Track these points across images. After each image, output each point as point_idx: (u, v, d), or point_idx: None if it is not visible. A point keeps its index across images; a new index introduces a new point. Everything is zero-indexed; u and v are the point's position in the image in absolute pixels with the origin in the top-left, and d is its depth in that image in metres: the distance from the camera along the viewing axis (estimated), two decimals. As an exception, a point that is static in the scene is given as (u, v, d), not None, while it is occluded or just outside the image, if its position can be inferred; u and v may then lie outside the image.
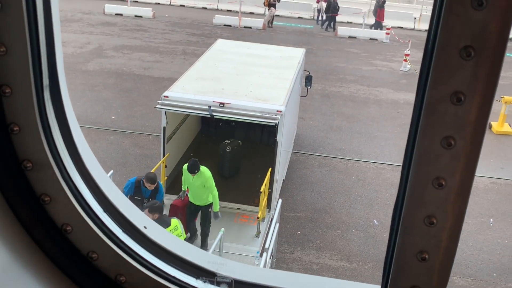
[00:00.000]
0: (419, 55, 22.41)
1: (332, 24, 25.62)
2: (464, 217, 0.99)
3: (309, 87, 13.67)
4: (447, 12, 0.86)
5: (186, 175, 8.74)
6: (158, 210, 7.48)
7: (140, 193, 8.45)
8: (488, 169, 13.26)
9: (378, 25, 25.71)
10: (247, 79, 10.56)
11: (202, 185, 8.59)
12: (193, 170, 8.52)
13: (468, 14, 0.85)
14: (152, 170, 9.14)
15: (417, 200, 0.99)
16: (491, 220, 11.43)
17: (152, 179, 8.32)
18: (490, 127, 15.52)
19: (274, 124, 9.06)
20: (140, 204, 8.26)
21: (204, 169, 8.67)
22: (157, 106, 9.26)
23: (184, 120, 11.13)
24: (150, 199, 8.36)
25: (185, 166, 8.77)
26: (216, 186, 10.46)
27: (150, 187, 8.36)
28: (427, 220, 1.00)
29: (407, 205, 1.00)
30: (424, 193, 0.98)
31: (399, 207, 1.02)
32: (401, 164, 1.00)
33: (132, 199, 8.33)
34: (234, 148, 10.48)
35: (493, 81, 0.90)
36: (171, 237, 1.36)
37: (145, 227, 1.27)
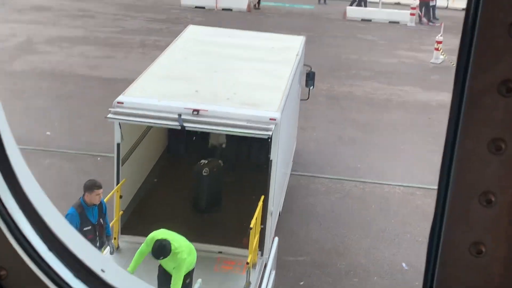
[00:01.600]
0: (455, 42, 22.65)
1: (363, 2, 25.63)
2: None
3: (312, 88, 13.75)
4: None
5: (143, 252, 8.38)
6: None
7: (87, 219, 8.66)
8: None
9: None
10: (230, 77, 10.59)
11: (171, 269, 8.30)
12: (160, 256, 8.10)
13: None
14: (109, 195, 9.21)
15: (459, 223, 1.01)
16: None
17: (94, 184, 8.78)
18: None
19: (266, 137, 9.06)
20: (93, 235, 8.52)
21: (177, 248, 8.16)
22: (109, 116, 9.23)
23: (145, 134, 11.11)
24: (101, 221, 8.88)
25: (150, 237, 8.34)
26: (190, 222, 10.36)
27: (95, 198, 8.67)
28: (473, 248, 1.01)
29: (447, 230, 1.02)
30: (468, 213, 1.00)
31: (436, 233, 1.04)
32: (437, 180, 1.02)
33: (82, 235, 8.42)
34: (213, 171, 10.45)
35: None
36: (135, 282, 1.38)
37: (102, 270, 1.27)
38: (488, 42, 0.91)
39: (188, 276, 8.50)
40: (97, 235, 8.90)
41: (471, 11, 0.91)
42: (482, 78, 0.93)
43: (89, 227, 8.66)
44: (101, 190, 8.78)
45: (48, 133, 14.63)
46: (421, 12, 25.30)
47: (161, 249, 8.02)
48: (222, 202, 10.79)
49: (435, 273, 1.05)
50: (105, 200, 9.20)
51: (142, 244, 8.39)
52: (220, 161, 10.75)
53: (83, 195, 8.81)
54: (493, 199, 0.98)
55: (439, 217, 1.02)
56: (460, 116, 0.95)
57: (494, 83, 0.92)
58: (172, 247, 8.08)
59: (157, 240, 8.20)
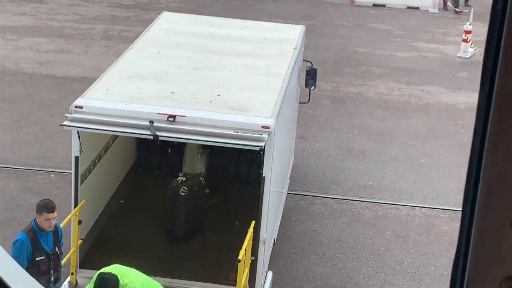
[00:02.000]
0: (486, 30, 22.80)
1: None
2: None
3: (313, 88, 13.79)
4: None
5: None
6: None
7: (41, 247, 8.70)
8: None
9: None
10: (213, 76, 10.62)
11: None
12: None
13: None
14: (61, 225, 9.19)
15: (489, 253, 0.99)
16: None
17: (44, 205, 8.83)
18: None
19: (258, 149, 9.07)
20: (47, 267, 8.60)
21: (128, 284, 8.01)
22: (65, 123, 9.22)
23: (109, 146, 11.10)
24: (57, 249, 8.98)
25: (97, 274, 8.17)
26: (164, 252, 10.37)
27: (51, 223, 8.73)
28: (506, 284, 1.00)
29: (474, 262, 1.01)
30: (500, 241, 0.98)
31: (460, 266, 1.03)
32: (463, 199, 1.02)
33: (34, 266, 8.64)
34: (192, 190, 10.47)
35: None
36: None
37: None
38: None
39: None
40: (52, 267, 8.92)
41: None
42: None
43: (43, 257, 8.69)
44: (52, 215, 8.81)
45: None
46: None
47: (104, 285, 7.86)
48: (204, 228, 10.80)
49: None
50: (61, 225, 9.20)
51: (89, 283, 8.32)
52: (201, 178, 10.76)
53: (36, 217, 8.88)
54: None
55: (463, 247, 1.01)
56: (488, 121, 0.95)
57: None
58: (121, 282, 8.00)
59: (100, 274, 8.15)
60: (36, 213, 8.90)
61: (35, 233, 8.76)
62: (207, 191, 10.80)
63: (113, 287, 7.89)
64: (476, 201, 0.98)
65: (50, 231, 8.91)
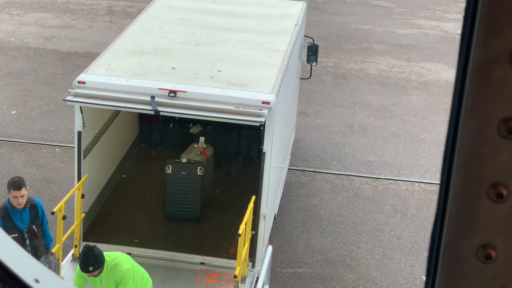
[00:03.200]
0: (487, 9, 22.77)
1: None
2: None
3: (314, 64, 13.78)
4: None
5: (81, 274, 8.20)
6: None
7: (13, 225, 8.70)
8: None
9: None
10: (214, 52, 10.59)
11: (113, 286, 8.17)
12: (88, 266, 7.93)
13: None
14: (62, 202, 9.11)
15: (464, 223, 1.01)
16: None
17: (12, 183, 8.78)
18: None
19: (258, 125, 9.07)
20: (20, 244, 8.40)
21: (115, 259, 8.15)
22: (68, 98, 9.22)
23: (111, 121, 11.11)
24: (35, 228, 8.92)
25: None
26: (165, 226, 10.38)
27: (18, 200, 8.69)
28: (481, 252, 1.01)
29: (449, 232, 1.02)
30: (474, 210, 1.00)
31: (437, 236, 1.05)
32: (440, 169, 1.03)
33: None
34: (192, 173, 10.47)
35: None
36: None
37: (36, 281, 1.25)
38: None
39: None
40: (28, 244, 8.89)
41: None
42: (491, 45, 0.92)
43: (16, 235, 8.61)
44: (19, 192, 8.71)
45: (13, 112, 14.70)
46: None
47: (91, 255, 7.91)
48: (205, 203, 10.81)
49: (436, 282, 1.06)
50: (64, 199, 9.18)
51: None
52: (200, 166, 10.63)
53: (8, 195, 8.92)
54: (504, 192, 0.98)
55: (440, 217, 1.03)
56: (464, 93, 0.96)
57: (506, 51, 0.92)
58: (107, 258, 8.05)
59: (85, 247, 8.23)
60: (7, 190, 8.90)
61: (7, 211, 8.76)
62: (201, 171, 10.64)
63: (99, 255, 7.96)
64: (451, 172, 1.00)
65: (26, 208, 8.88)
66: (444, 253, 1.04)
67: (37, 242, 9.08)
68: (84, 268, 7.96)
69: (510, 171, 0.98)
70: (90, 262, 7.90)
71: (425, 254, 11.61)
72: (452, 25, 21.61)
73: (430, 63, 18.97)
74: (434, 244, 1.06)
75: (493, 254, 1.01)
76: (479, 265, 1.02)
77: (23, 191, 8.78)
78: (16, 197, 8.74)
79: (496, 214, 0.99)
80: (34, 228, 8.99)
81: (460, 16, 21.46)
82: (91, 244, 8.42)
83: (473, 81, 0.94)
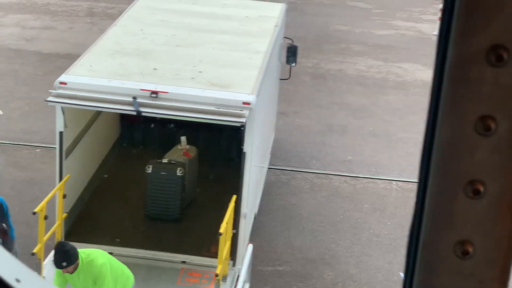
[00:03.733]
0: (463, 10, 22.87)
1: None
2: None
3: (294, 64, 13.77)
4: None
5: (60, 273, 8.16)
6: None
7: None
8: None
9: None
10: (195, 53, 10.57)
11: (92, 285, 8.11)
12: (61, 262, 7.90)
13: None
14: (43, 202, 9.07)
15: (441, 219, 1.01)
16: None
17: None
18: None
19: (239, 125, 9.07)
20: None
21: (90, 254, 8.13)
22: (49, 98, 9.18)
23: (93, 122, 11.06)
24: (4, 225, 8.90)
25: None
26: (147, 226, 10.34)
27: None
28: (459, 248, 1.02)
29: (428, 228, 1.02)
30: (452, 207, 1.00)
31: (415, 233, 1.04)
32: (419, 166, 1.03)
33: None
34: (173, 173, 10.44)
35: None
36: None
37: (17, 280, 1.23)
38: (474, 0, 0.92)
39: None
40: (0, 242, 8.85)
41: None
42: (467, 44, 0.93)
43: None
44: None
45: (0, 113, 14.65)
46: None
47: (63, 251, 7.89)
48: (188, 202, 10.79)
49: (414, 279, 1.05)
50: (46, 200, 9.14)
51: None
52: (180, 167, 10.59)
53: None
54: (481, 189, 0.98)
55: (418, 214, 1.03)
56: (441, 92, 0.96)
57: (481, 50, 0.93)
58: (81, 254, 8.02)
59: (57, 243, 8.24)
60: None
61: None
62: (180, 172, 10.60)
63: (71, 250, 7.94)
64: (429, 169, 1.00)
65: None
66: (423, 250, 1.04)
67: (7, 239, 9.08)
68: (57, 264, 7.93)
69: (487, 168, 0.98)
70: (62, 257, 7.88)
71: (403, 251, 11.58)
72: (428, 26, 21.68)
73: (407, 64, 19.03)
74: (413, 241, 1.06)
75: (471, 250, 1.01)
76: (456, 261, 1.02)
77: None
78: None
79: (473, 211, 0.99)
80: (4, 226, 9.01)
81: (435, 17, 21.55)
82: (65, 242, 8.41)
83: (450, 80, 0.95)
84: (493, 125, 0.95)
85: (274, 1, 14.47)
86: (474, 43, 0.92)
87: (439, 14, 21.23)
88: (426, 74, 18.43)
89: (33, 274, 1.28)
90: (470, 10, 0.91)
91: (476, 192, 0.98)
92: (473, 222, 1.00)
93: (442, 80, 0.96)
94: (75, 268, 7.99)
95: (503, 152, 0.97)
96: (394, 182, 13.60)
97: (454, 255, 1.02)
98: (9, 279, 1.23)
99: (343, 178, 13.65)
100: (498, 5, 0.90)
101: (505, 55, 0.92)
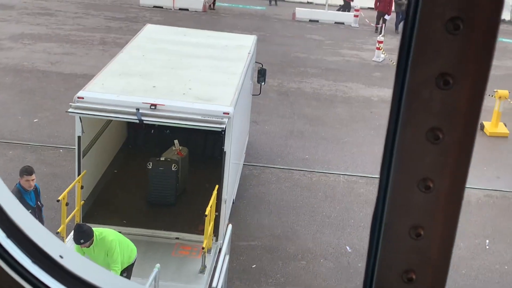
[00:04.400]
0: (395, 42, 23.01)
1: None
2: (456, 227, 1.02)
3: (263, 83, 13.78)
4: None
5: (78, 248, 8.03)
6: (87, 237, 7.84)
7: (26, 204, 8.66)
8: (481, 179, 13.70)
9: (347, 6, 25.96)
10: (185, 74, 10.54)
11: (105, 256, 8.02)
12: (79, 239, 7.87)
13: None
14: (65, 192, 9.00)
15: (400, 208, 1.00)
16: (487, 241, 11.81)
17: (24, 170, 8.87)
18: (482, 127, 16.08)
19: (220, 130, 9.05)
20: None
21: (102, 232, 8.07)
22: (69, 110, 9.10)
23: (105, 128, 10.97)
24: (40, 204, 8.99)
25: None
26: (148, 210, 10.28)
27: (30, 183, 8.74)
28: (413, 231, 1.01)
29: (388, 215, 1.01)
30: (408, 198, 0.99)
31: (378, 218, 1.03)
32: (379, 169, 1.02)
33: None
34: (168, 168, 10.39)
35: (486, 60, 0.92)
36: (94, 267, 1.34)
37: (61, 257, 1.22)
38: (426, 37, 0.91)
39: (125, 271, 8.31)
40: (37, 218, 8.81)
41: (411, 7, 0.91)
42: (421, 72, 0.93)
43: (29, 211, 8.57)
44: (31, 177, 8.81)
45: (35, 120, 14.50)
46: (380, 23, 24.04)
47: (81, 230, 7.89)
48: (179, 193, 10.73)
49: (378, 254, 1.04)
50: (66, 190, 9.08)
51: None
52: (174, 164, 10.53)
53: (19, 180, 8.83)
54: (431, 185, 0.98)
55: (381, 203, 1.02)
56: (400, 108, 0.95)
57: (432, 76, 0.93)
58: (96, 232, 8.00)
59: (76, 225, 8.21)
60: (19, 176, 8.85)
61: (21, 193, 8.70)
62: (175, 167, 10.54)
63: (89, 234, 7.93)
64: (390, 168, 0.99)
65: (32, 190, 8.88)
66: (384, 232, 1.03)
67: (41, 216, 9.10)
68: (76, 241, 7.91)
69: (435, 169, 0.98)
70: (81, 236, 7.87)
71: (349, 229, 11.71)
72: (368, 54, 21.80)
73: (351, 83, 19.10)
74: (376, 224, 1.04)
75: (422, 232, 1.01)
76: (411, 241, 1.02)
77: (33, 176, 8.85)
78: (28, 180, 8.76)
79: (425, 202, 0.99)
80: (39, 203, 9.03)
81: (373, 47, 21.66)
82: (83, 224, 8.43)
83: (407, 99, 0.95)
84: (440, 135, 0.96)
85: (248, 34, 14.50)
86: (426, 71, 0.93)
87: (376, 45, 21.43)
88: (366, 91, 18.55)
89: (74, 251, 1.28)
90: (423, 46, 0.91)
91: (427, 187, 0.98)
92: (424, 210, 1.00)
93: (401, 98, 0.95)
94: (91, 244, 7.95)
95: (448, 156, 0.97)
96: (341, 176, 13.64)
97: (409, 237, 1.01)
98: (54, 255, 1.22)
99: (301, 172, 13.66)
100: (443, 42, 0.91)
101: (450, 81, 0.92)
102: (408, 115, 0.95)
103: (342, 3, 26.81)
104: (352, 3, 26.17)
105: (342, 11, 26.21)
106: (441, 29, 0.90)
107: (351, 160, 14.24)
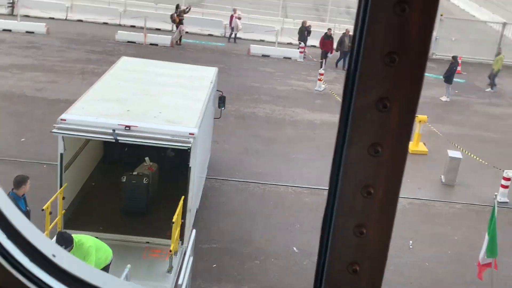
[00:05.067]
0: (333, 74, 23.38)
1: (343, 62, 23.70)
2: (392, 226, 1.03)
3: (223, 108, 13.79)
4: (371, 19, 0.91)
5: None
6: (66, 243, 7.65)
7: (21, 209, 8.50)
8: (405, 189, 13.96)
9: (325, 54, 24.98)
10: (156, 100, 10.46)
11: (82, 260, 7.93)
12: (61, 245, 7.60)
13: (390, 20, 0.91)
14: (49, 202, 8.77)
15: (346, 209, 1.01)
16: (411, 242, 12.01)
17: (25, 177, 8.81)
18: (406, 147, 16.40)
19: (187, 148, 8.99)
20: None
21: (81, 239, 7.91)
22: (53, 130, 8.92)
23: (84, 146, 10.78)
24: (28, 209, 8.84)
25: None
26: (122, 218, 10.10)
27: (26, 188, 8.69)
28: (357, 230, 1.02)
29: (336, 217, 1.02)
30: (353, 202, 1.01)
31: (328, 221, 1.04)
32: (328, 178, 1.03)
33: None
34: (140, 181, 10.24)
35: (416, 87, 0.95)
36: (83, 265, 1.31)
37: (53, 255, 1.20)
38: (368, 68, 0.93)
39: (103, 271, 8.16)
40: None
41: (356, 43, 0.94)
42: (364, 97, 0.95)
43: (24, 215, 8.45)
44: (25, 189, 8.79)
45: (22, 139, 14.18)
46: (323, 59, 23.72)
47: (62, 238, 7.74)
48: (150, 203, 10.57)
49: (328, 249, 1.05)
50: (49, 201, 8.85)
51: None
52: (145, 177, 10.39)
53: (12, 189, 8.65)
54: (372, 191, 0.99)
55: (330, 206, 1.03)
56: (347, 127, 0.97)
57: (373, 101, 0.95)
58: (75, 239, 7.84)
59: (58, 232, 8.05)
60: (22, 184, 8.72)
61: (16, 200, 8.49)
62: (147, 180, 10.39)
63: (70, 240, 7.76)
64: (338, 177, 1.01)
65: (22, 197, 8.73)
66: (333, 232, 1.04)
67: (29, 218, 8.84)
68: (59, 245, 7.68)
69: (375, 178, 0.99)
70: (62, 242, 7.68)
71: (295, 233, 11.74)
72: (311, 84, 22.05)
73: (298, 108, 19.27)
74: (326, 225, 1.05)
75: (364, 231, 1.02)
76: (355, 239, 1.03)
77: (25, 188, 8.78)
78: (27, 185, 8.74)
79: (367, 205, 1.00)
80: (28, 209, 8.86)
81: (316, 79, 21.92)
82: (64, 232, 8.22)
83: (353, 120, 0.97)
84: (380, 149, 0.97)
85: (210, 66, 14.49)
86: (368, 96, 0.95)
87: (319, 76, 21.71)
88: (310, 115, 18.74)
89: (63, 251, 1.24)
90: (366, 75, 0.94)
91: (369, 193, 1.00)
92: (367, 213, 1.01)
93: (347, 119, 0.97)
94: (71, 249, 7.74)
95: (385, 168, 0.99)
96: (290, 187, 13.71)
97: (353, 235, 1.02)
98: (47, 253, 1.20)
99: (256, 184, 13.68)
100: (382, 73, 0.93)
101: (388, 104, 0.95)
102: (354, 133, 0.97)
103: (289, 40, 27.08)
104: (301, 44, 26.04)
105: (340, 59, 24.43)
106: (381, 62, 0.93)
107: (298, 174, 14.33)
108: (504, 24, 28.50)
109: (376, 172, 0.99)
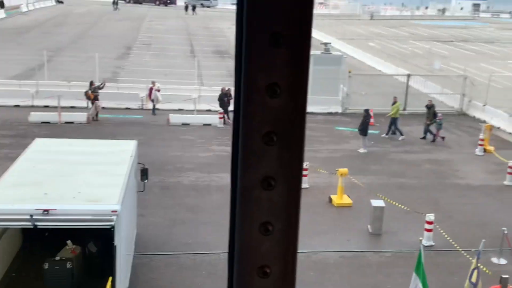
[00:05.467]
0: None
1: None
2: (298, 223, 1.02)
3: (146, 181, 13.62)
4: (246, 102, 0.95)
5: None
6: None
7: None
8: (335, 243, 14.21)
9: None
10: (74, 180, 10.21)
11: None
12: None
13: (265, 102, 0.95)
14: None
15: (249, 207, 1.00)
16: (346, 295, 12.11)
17: None
18: (330, 200, 16.83)
19: (110, 227, 8.76)
20: None
21: None
22: (-35, 222, 8.41)
23: (1, 235, 10.20)
24: None
25: None
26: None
27: None
28: (262, 228, 1.00)
29: (240, 214, 1.01)
30: (254, 196, 0.99)
31: (234, 220, 1.03)
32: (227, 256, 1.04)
33: None
34: (63, 267, 9.80)
35: (297, 164, 0.99)
36: None
37: None
38: (249, 149, 0.97)
39: None
40: None
41: (234, 124, 0.98)
42: (248, 177, 0.97)
43: None
44: None
45: None
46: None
47: None
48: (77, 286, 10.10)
49: (235, 253, 1.03)
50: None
51: None
52: (69, 262, 9.97)
53: None
54: (272, 183, 0.98)
55: (233, 205, 1.02)
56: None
57: (258, 180, 0.97)
58: None
59: None
60: None
61: None
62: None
63: None
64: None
65: None
66: (239, 231, 1.02)
67: None
68: None
69: (270, 257, 1.00)
70: None
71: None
72: (234, 148, 22.27)
73: (222, 173, 19.30)
74: (233, 228, 1.03)
75: (270, 228, 1.00)
76: (261, 237, 1.00)
77: None
78: None
79: (269, 200, 0.98)
80: None
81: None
82: None
83: (241, 197, 0.98)
84: (270, 228, 0.98)
85: (129, 139, 14.38)
86: (252, 176, 0.97)
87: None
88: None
89: None
90: (247, 155, 0.97)
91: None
92: (270, 209, 0.99)
93: (235, 197, 0.99)
94: None
95: (280, 244, 0.99)
96: (221, 254, 13.54)
97: (259, 233, 1.00)
98: None
99: (186, 255, 13.43)
100: (263, 152, 0.96)
101: (272, 183, 0.97)
102: (244, 212, 0.99)
103: (208, 107, 27.51)
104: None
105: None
106: (260, 142, 0.97)
107: (227, 241, 14.19)
108: (409, 76, 30.60)
109: (270, 251, 1.00)
